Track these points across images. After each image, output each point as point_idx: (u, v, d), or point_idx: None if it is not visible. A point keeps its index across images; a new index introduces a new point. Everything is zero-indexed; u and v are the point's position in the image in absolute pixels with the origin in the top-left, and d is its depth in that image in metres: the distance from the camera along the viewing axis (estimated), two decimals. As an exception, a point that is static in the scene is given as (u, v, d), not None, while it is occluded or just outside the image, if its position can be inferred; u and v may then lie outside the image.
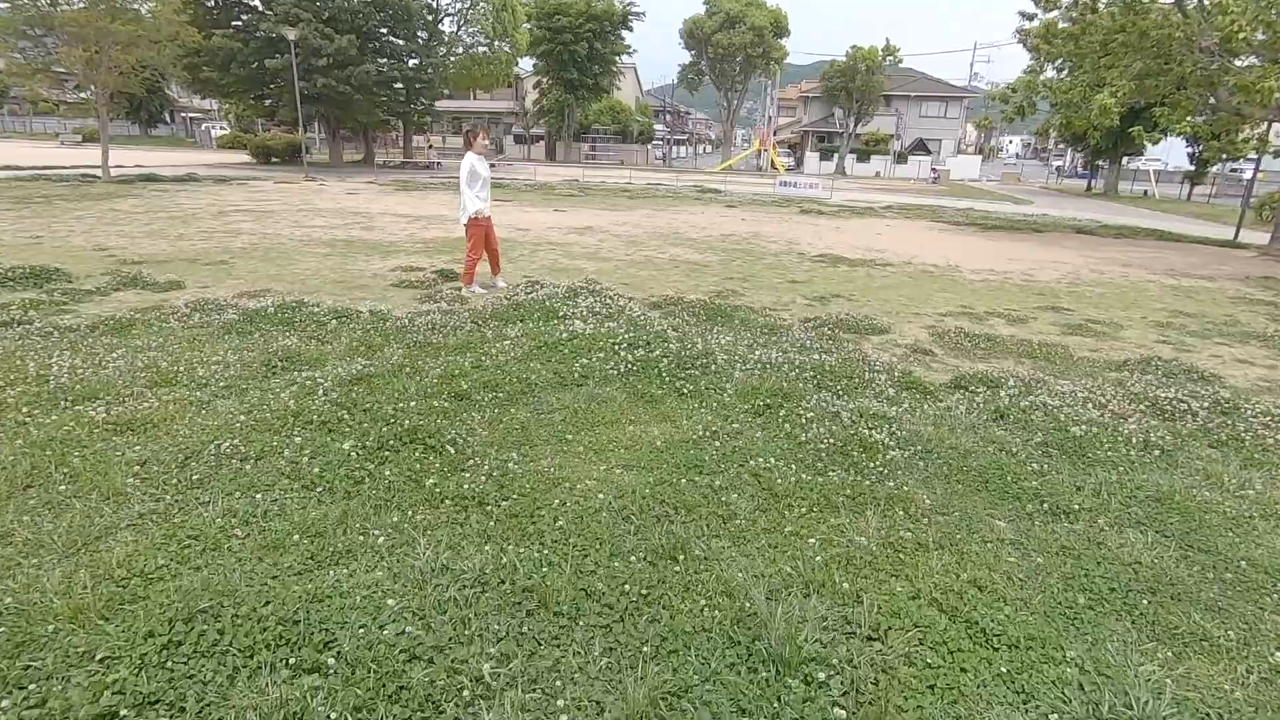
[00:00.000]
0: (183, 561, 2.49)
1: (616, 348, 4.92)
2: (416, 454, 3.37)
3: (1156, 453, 3.84)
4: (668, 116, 61.55)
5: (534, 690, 2.00)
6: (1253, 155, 16.32)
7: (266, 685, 1.91)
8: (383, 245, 10.03)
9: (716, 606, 2.38)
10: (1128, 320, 7.35)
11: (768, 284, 8.34)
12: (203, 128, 53.83)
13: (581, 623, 2.28)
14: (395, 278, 7.72)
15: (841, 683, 2.07)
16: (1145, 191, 38.25)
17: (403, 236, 11.01)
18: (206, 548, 2.58)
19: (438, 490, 3.07)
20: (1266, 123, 13.97)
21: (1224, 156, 19.76)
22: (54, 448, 3.27)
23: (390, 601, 2.29)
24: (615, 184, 27.00)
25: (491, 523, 2.87)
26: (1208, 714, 2.05)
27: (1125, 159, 37.53)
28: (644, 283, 8.01)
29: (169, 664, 1.97)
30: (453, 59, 33.35)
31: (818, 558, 2.69)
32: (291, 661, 2.01)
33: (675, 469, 3.39)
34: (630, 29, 43.58)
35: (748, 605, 2.36)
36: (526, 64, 45.85)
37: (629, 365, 4.64)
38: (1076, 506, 3.21)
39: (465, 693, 1.95)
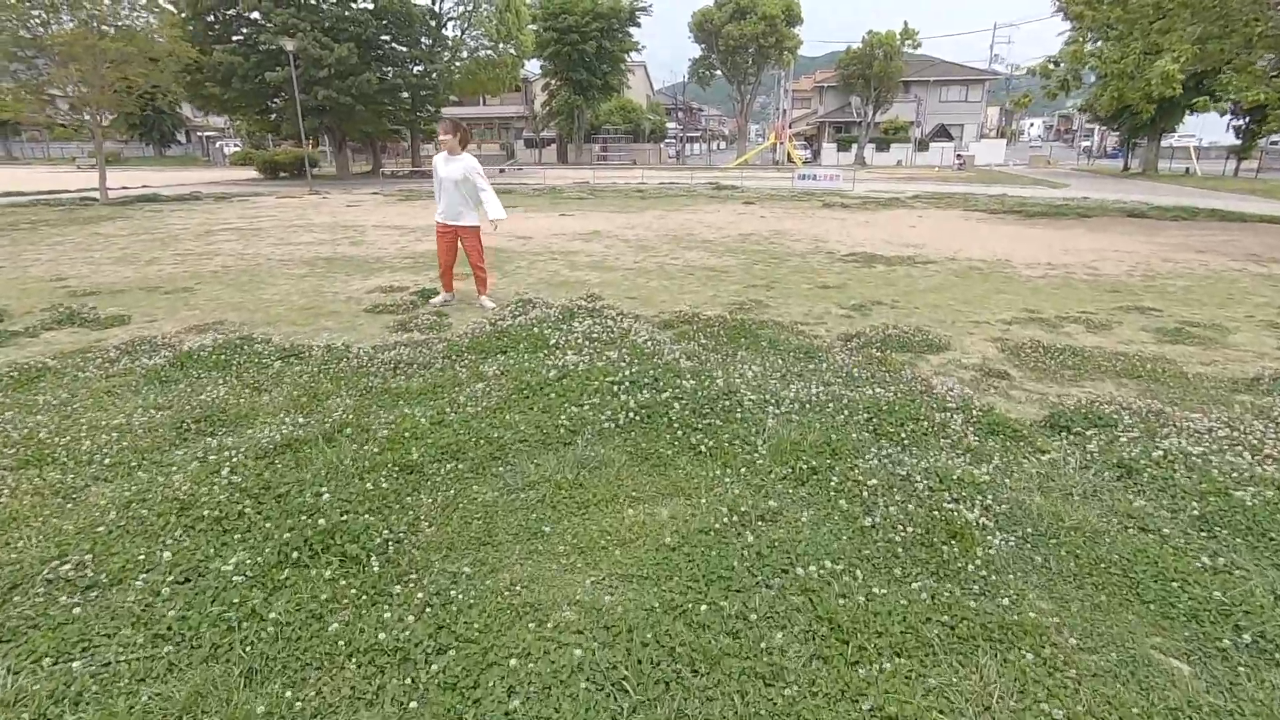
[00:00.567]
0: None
1: (616, 389, 3.93)
2: (329, 572, 2.41)
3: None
4: (680, 114, 60.48)
5: None
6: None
7: None
8: (367, 262, 9.15)
9: None
10: (1231, 321, 6.18)
11: (796, 291, 7.28)
12: (216, 146, 53.94)
13: None
14: (371, 300, 6.81)
15: None
16: (1186, 169, 36.34)
17: (391, 251, 10.12)
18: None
19: (344, 640, 2.11)
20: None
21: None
22: None
23: None
24: (627, 185, 26.03)
25: (413, 702, 1.89)
26: None
27: (1164, 136, 35.64)
28: (654, 295, 7.00)
29: None
30: (458, 64, 32.64)
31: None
32: None
33: (691, 582, 2.39)
34: (638, 25, 42.61)
35: None
36: (534, 66, 45.14)
37: (631, 413, 3.65)
38: (1294, 635, 2.15)
39: None
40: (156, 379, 4.39)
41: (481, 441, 3.38)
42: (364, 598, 2.30)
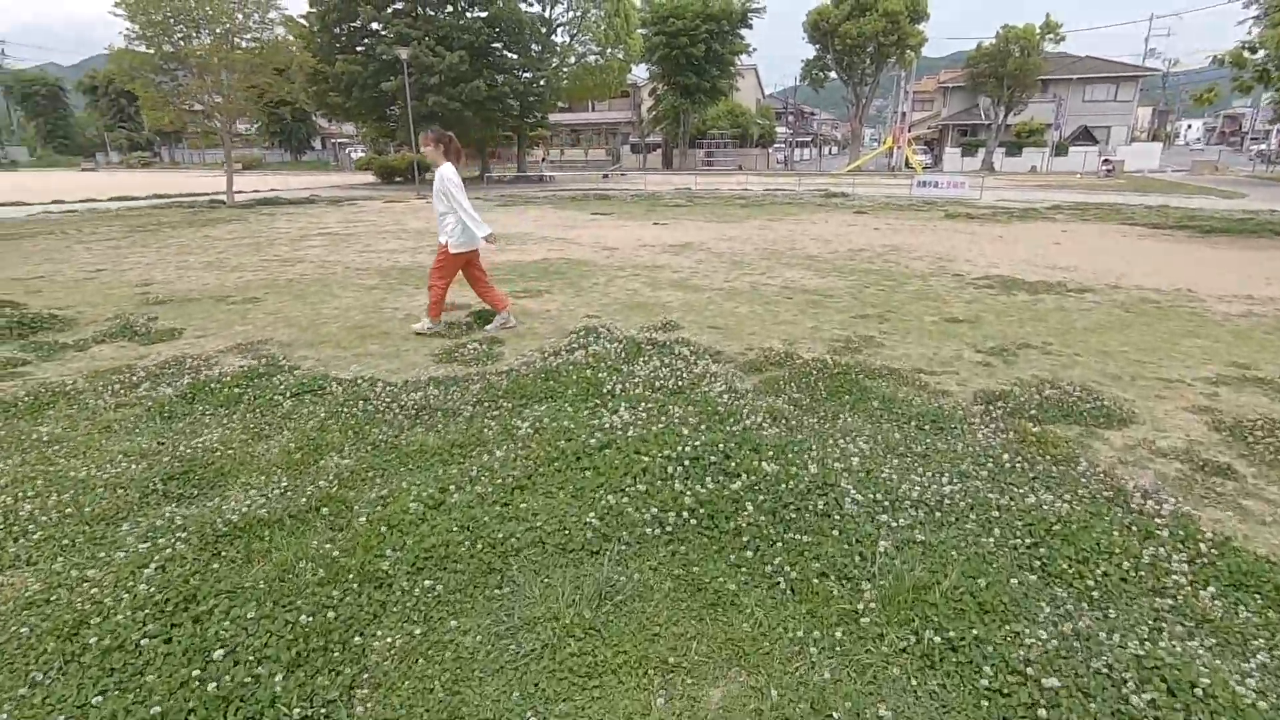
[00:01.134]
0: None
1: (672, 470, 2.98)
2: (194, 782, 1.62)
3: None
4: (790, 118, 58.45)
5: None
6: None
7: None
8: (442, 273, 8.67)
9: None
10: None
11: (917, 324, 6.03)
12: (345, 151, 57.57)
13: None
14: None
15: None
16: (1398, 177, 30.67)
17: (471, 261, 9.64)
18: None
19: None
20: None
21: None
22: None
23: None
24: (730, 191, 24.94)
25: None
26: None
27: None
28: (741, 325, 5.98)
29: None
30: (565, 70, 32.70)
31: None
32: None
33: None
34: (750, 27, 41.32)
35: None
36: (642, 71, 44.86)
37: (687, 512, 2.68)
38: None
39: None
40: (160, 414, 3.88)
41: (480, 543, 2.53)
42: None
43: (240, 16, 19.31)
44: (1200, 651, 2.01)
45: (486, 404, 3.95)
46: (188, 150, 64.63)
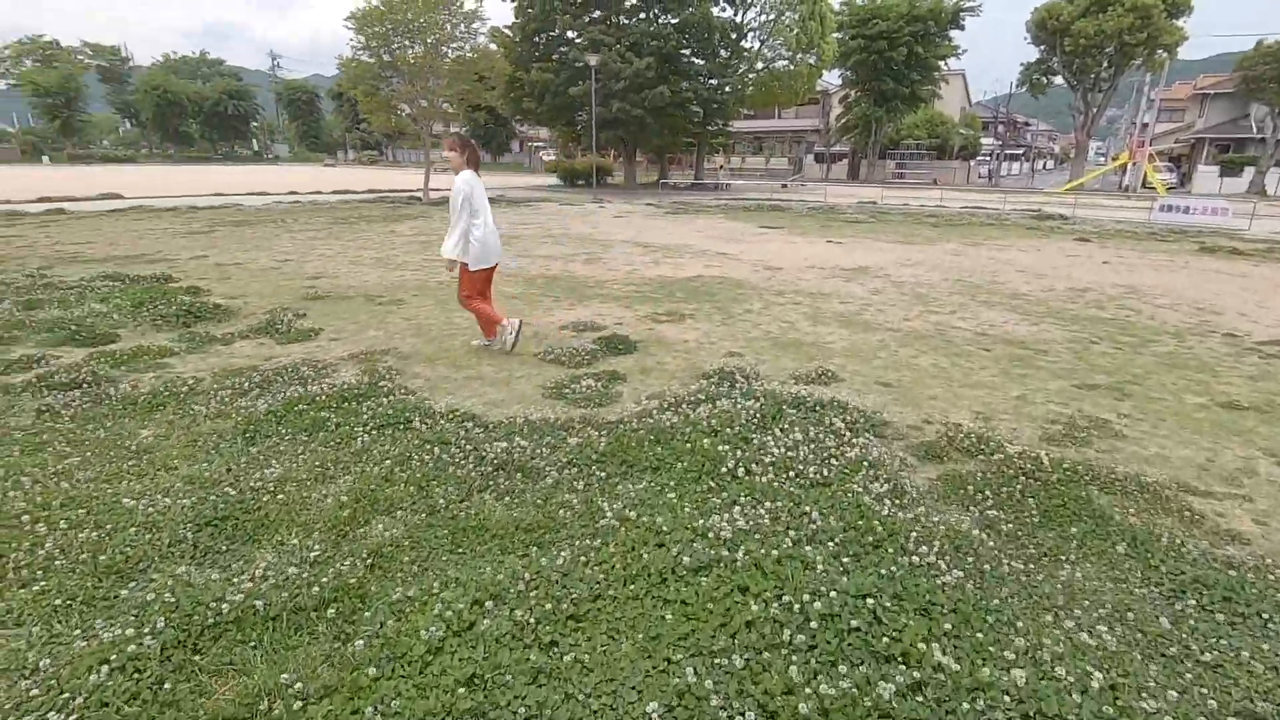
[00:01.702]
0: None
1: (790, 635, 2.03)
2: None
3: None
4: (1000, 128, 52.71)
5: None
6: None
7: None
8: (587, 286, 8.20)
9: None
10: None
11: (1174, 407, 4.42)
12: (538, 154, 61.20)
13: None
14: (555, 339, 5.68)
15: None
16: None
17: (621, 273, 9.10)
18: None
19: None
20: None
21: None
22: None
23: None
24: (920, 207, 22.58)
25: None
26: None
27: None
28: (919, 385, 4.75)
29: None
30: (751, 76, 31.77)
31: None
32: None
33: None
34: (961, 27, 37.59)
35: None
36: (833, 78, 42.64)
37: (801, 722, 1.74)
38: None
39: None
40: (245, 433, 3.61)
41: (504, 710, 1.78)
42: None
43: (449, 27, 20.69)
44: None
45: (577, 468, 3.22)
46: (408, 150, 72.37)
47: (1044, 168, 67.00)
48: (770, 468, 3.15)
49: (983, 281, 8.97)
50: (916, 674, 1.87)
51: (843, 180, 43.97)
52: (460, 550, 2.59)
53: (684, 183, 35.55)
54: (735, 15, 31.28)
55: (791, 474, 3.12)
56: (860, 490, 2.97)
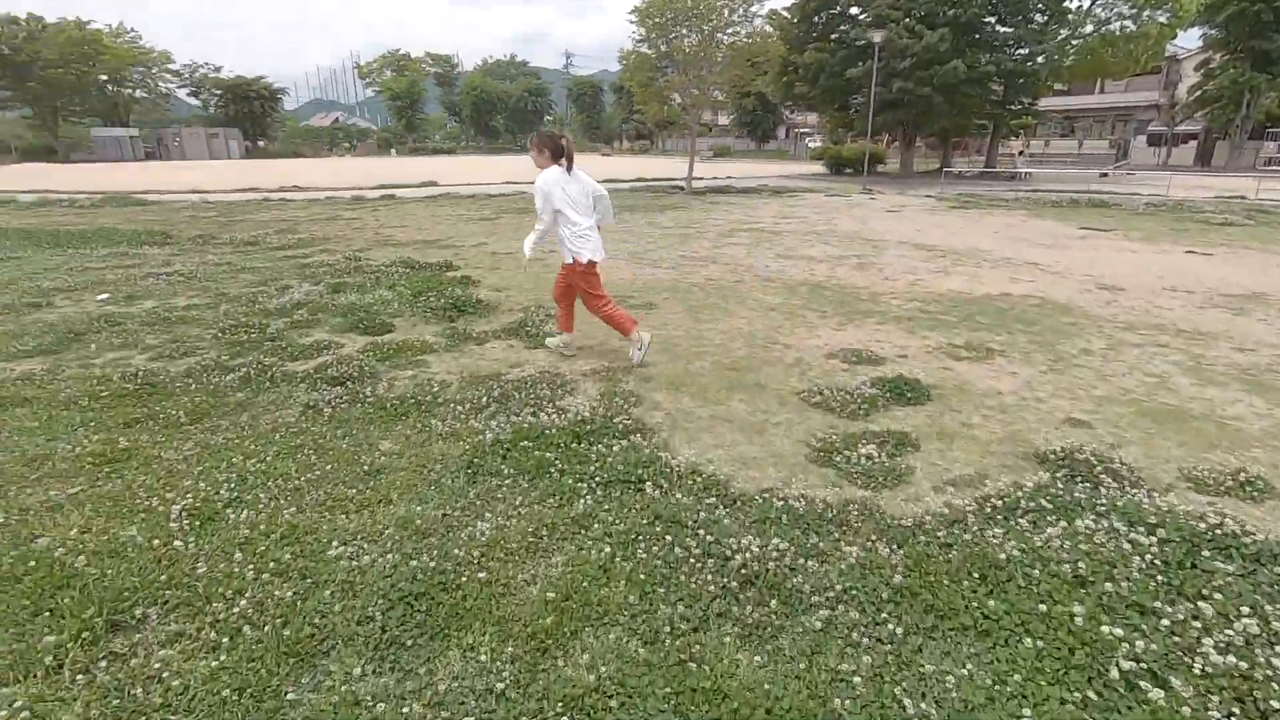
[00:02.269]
0: None
1: None
2: None
3: None
4: None
5: None
6: None
7: None
8: (859, 298, 6.96)
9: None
10: None
11: None
12: (803, 141, 59.01)
13: None
14: (820, 372, 4.66)
15: None
16: None
17: (900, 284, 7.66)
18: None
19: None
20: None
21: None
22: None
23: None
24: (1323, 205, 16.76)
25: None
26: None
27: None
28: None
29: None
30: (1075, 43, 26.51)
31: None
32: None
33: None
34: None
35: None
36: (1187, 39, 34.09)
37: None
38: None
39: None
40: (468, 468, 3.23)
41: None
42: None
43: (726, 12, 20.20)
44: None
45: (859, 606, 2.23)
46: (676, 139, 74.86)
47: None
48: (1205, 686, 1.85)
49: None
50: None
51: (1188, 167, 35.17)
52: (685, 728, 1.79)
53: (970, 170, 31.22)
54: (1060, -29, 26.32)
55: (1231, 694, 1.79)
56: None
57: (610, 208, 4.95)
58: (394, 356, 4.96)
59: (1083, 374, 4.67)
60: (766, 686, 1.92)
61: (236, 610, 2.23)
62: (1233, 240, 11.09)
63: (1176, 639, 2.02)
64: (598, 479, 3.06)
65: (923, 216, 14.71)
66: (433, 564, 2.47)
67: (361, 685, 1.94)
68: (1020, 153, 31.68)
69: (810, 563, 2.45)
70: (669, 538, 2.61)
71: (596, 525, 2.73)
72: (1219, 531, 2.55)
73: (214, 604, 2.27)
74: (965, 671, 1.95)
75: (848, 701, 1.86)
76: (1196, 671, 1.90)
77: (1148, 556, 2.39)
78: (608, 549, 2.56)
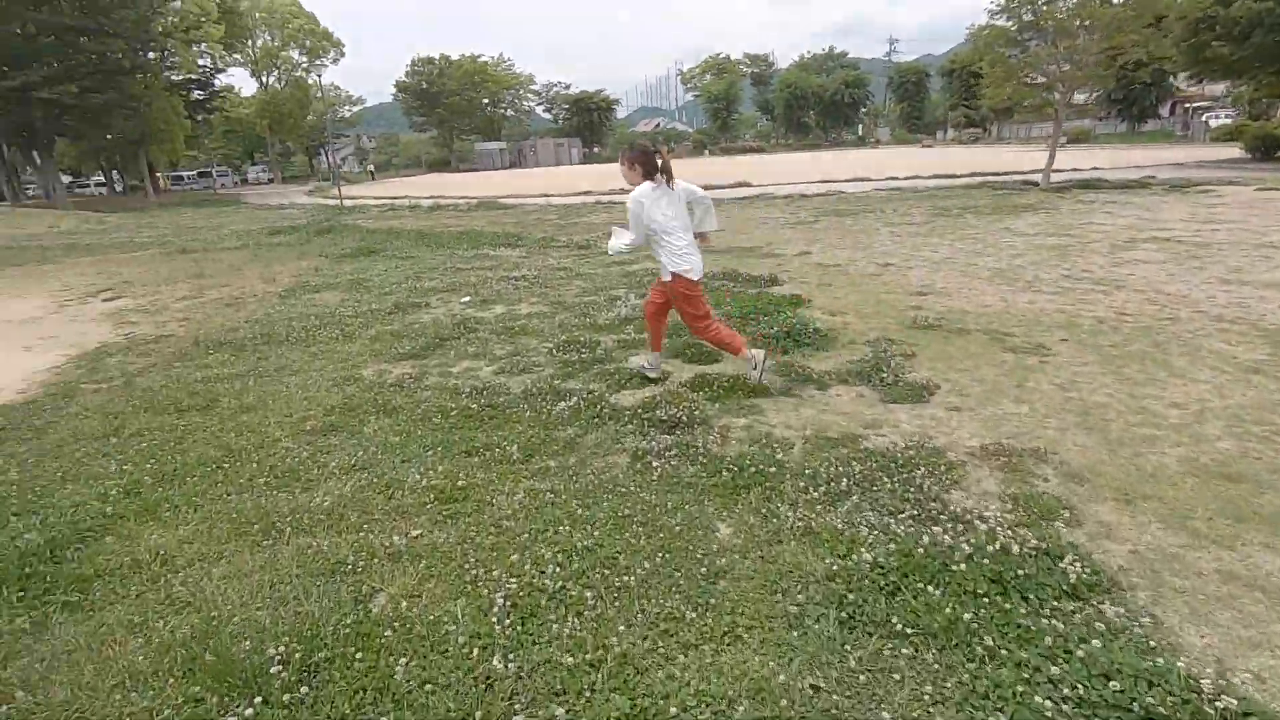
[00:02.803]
0: None
1: None
2: None
3: None
4: None
5: None
6: None
7: None
8: None
9: None
10: None
11: None
12: (1200, 119, 46.51)
13: None
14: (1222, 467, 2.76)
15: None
16: None
17: None
18: None
19: None
20: None
21: None
22: None
23: None
24: None
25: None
26: None
27: None
28: None
29: None
30: None
31: None
32: None
33: None
34: None
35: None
36: None
37: None
38: None
39: None
40: (836, 604, 2.33)
41: None
42: None
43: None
44: None
45: None
46: (1014, 125, 65.06)
47: None
48: None
49: None
50: None
51: None
52: None
53: None
54: None
55: None
56: None
57: (713, 211, 4.46)
58: (725, 397, 4.31)
59: None
60: None
61: None
62: None
63: None
64: (1065, 692, 1.90)
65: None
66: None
67: None
68: None
69: None
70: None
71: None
72: None
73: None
74: None
75: None
76: None
77: None
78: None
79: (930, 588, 2.33)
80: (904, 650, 2.11)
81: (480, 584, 2.53)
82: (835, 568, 2.51)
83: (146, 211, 31.74)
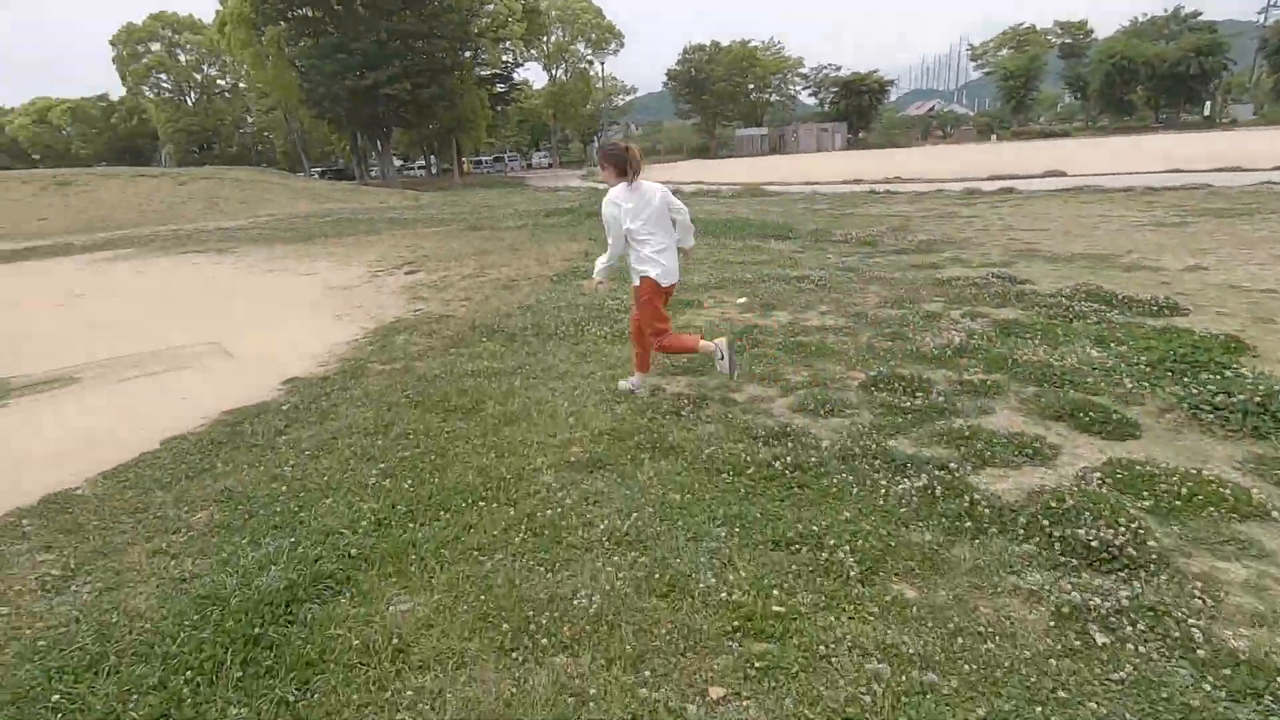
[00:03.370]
0: None
1: None
2: None
3: None
4: None
5: None
6: None
7: None
8: None
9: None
10: None
11: None
12: None
13: None
14: None
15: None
16: None
17: None
18: None
19: None
20: None
21: None
22: None
23: None
24: None
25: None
26: None
27: None
28: None
29: None
30: None
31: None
32: None
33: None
34: None
35: None
36: None
37: None
38: None
39: None
40: None
41: None
42: None
43: None
44: None
45: None
46: None
47: None
48: None
49: None
50: None
51: None
52: None
53: None
54: None
55: None
56: None
57: (689, 228, 4.17)
58: (1181, 510, 2.67)
59: None
60: None
61: None
62: None
63: None
64: None
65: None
66: None
67: None
68: None
69: None
70: None
71: None
72: None
73: None
74: None
75: None
76: None
77: None
78: None
79: None
80: None
81: None
82: None
83: (452, 191, 36.32)
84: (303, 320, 7.27)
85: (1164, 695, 1.83)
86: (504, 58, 50.63)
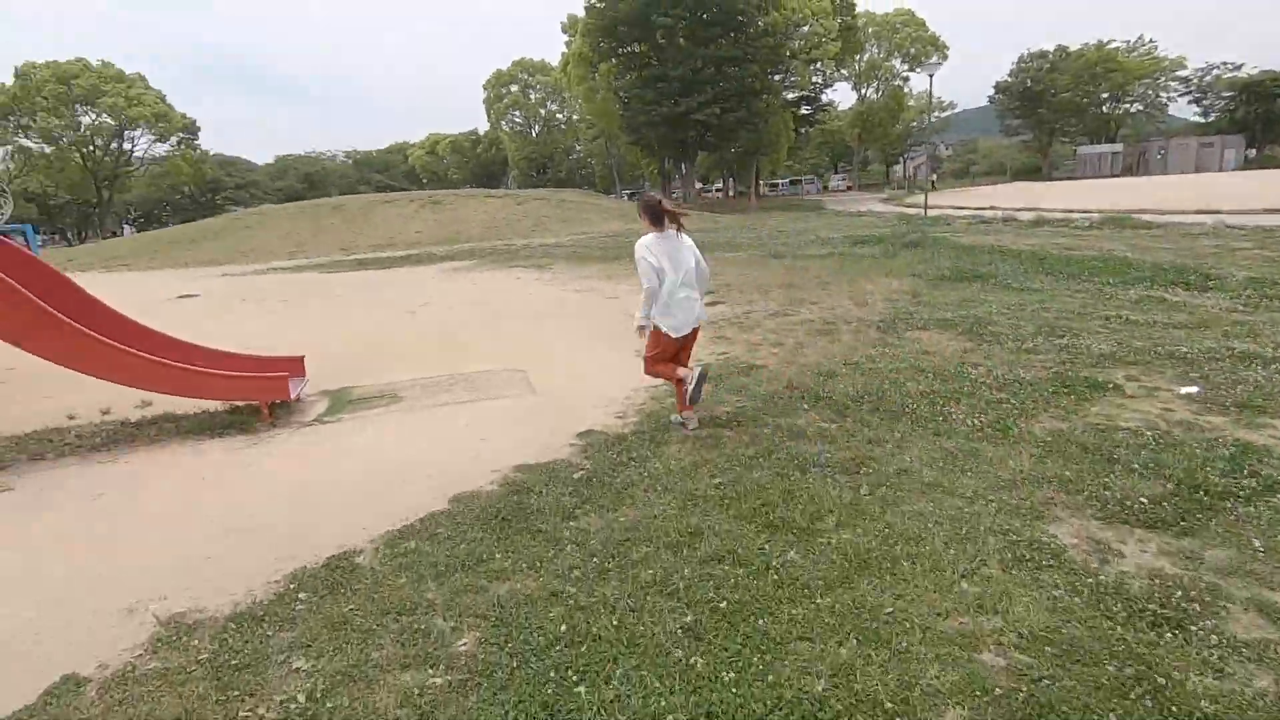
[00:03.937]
0: None
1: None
2: None
3: None
4: None
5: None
6: None
7: None
8: None
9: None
10: None
11: None
12: None
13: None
14: None
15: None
16: None
17: None
18: None
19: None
20: None
21: None
22: None
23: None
24: None
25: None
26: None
27: None
28: None
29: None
30: None
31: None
32: None
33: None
34: None
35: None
36: None
37: None
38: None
39: None
40: None
41: None
42: None
43: None
44: None
45: None
46: None
47: None
48: None
49: None
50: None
51: None
52: None
53: None
54: None
55: None
56: None
57: (707, 277, 4.50)
58: None
59: None
60: None
61: None
62: None
63: None
64: None
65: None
66: None
67: None
68: None
69: None
70: None
71: None
72: None
73: None
74: None
75: None
76: None
77: None
78: None
79: None
80: None
81: None
82: None
83: (747, 214, 36.21)
84: (604, 353, 6.88)
85: None
86: (814, 79, 49.51)
